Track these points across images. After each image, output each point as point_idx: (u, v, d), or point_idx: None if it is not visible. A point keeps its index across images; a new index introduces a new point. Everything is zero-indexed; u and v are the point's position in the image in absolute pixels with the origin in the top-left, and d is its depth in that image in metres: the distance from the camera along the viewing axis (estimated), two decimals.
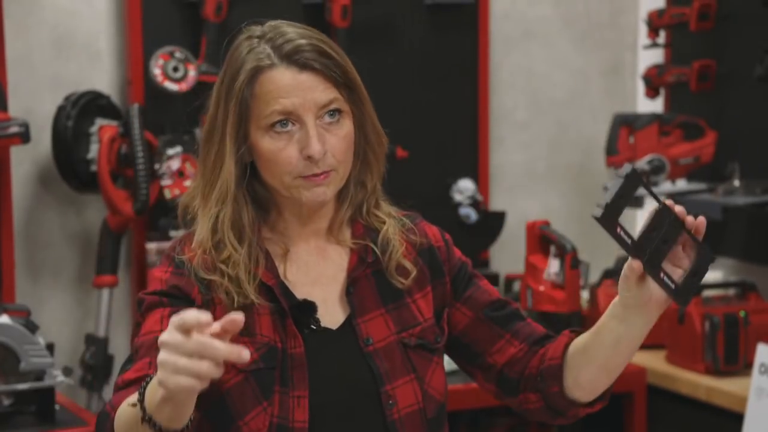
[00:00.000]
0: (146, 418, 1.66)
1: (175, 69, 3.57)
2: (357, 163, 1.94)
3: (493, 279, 4.05)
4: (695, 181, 3.79)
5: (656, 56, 4.12)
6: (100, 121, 3.56)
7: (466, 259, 2.05)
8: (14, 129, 3.27)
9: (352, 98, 1.89)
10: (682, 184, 3.76)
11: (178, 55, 3.58)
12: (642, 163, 3.71)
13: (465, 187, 4.05)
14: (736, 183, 3.63)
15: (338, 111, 1.87)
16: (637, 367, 3.53)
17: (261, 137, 1.85)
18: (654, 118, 3.78)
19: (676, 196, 3.76)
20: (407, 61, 4.03)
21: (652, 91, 3.97)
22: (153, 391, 1.65)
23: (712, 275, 3.78)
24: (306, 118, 1.84)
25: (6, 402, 2.96)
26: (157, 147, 3.56)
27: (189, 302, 1.86)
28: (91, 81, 3.67)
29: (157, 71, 3.56)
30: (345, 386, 1.89)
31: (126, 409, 1.72)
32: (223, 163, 1.87)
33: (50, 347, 3.09)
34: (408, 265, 1.95)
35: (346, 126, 1.88)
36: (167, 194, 3.52)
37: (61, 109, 3.54)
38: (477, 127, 4.14)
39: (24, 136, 3.27)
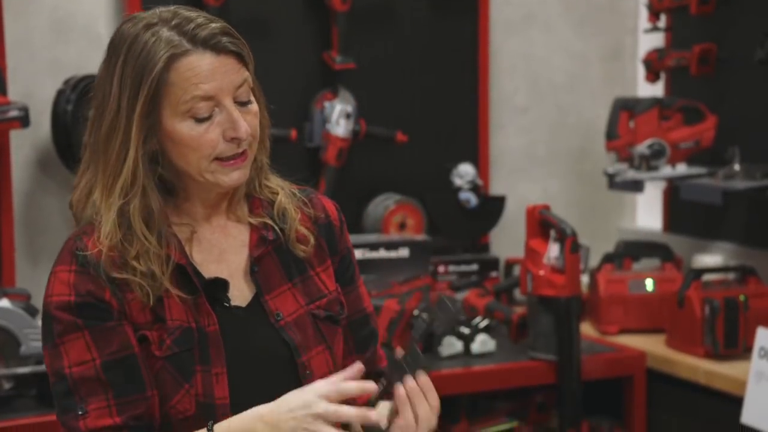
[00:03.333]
0: None
1: None
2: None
3: (493, 263, 4.06)
4: (695, 165, 3.79)
5: (657, 40, 4.11)
6: None
7: (351, 245, 2.10)
8: (14, 113, 3.26)
9: (252, 77, 1.91)
10: (682, 169, 3.76)
11: None
12: (642, 147, 3.71)
13: (465, 171, 4.04)
14: (737, 167, 3.62)
15: (251, 90, 1.89)
16: (637, 351, 3.53)
17: (178, 123, 1.84)
18: (654, 102, 3.77)
19: (676, 180, 3.76)
20: (407, 46, 4.03)
21: (652, 75, 3.96)
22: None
23: (712, 259, 3.78)
24: (225, 101, 1.85)
25: (6, 386, 2.96)
26: None
27: (105, 311, 1.84)
28: (90, 65, 3.65)
29: None
30: (262, 360, 1.91)
31: None
32: (128, 153, 1.84)
33: None
34: (305, 231, 2.00)
35: (255, 105, 1.90)
36: None
37: (60, 93, 3.53)
38: (477, 111, 4.14)
39: (23, 120, 3.27)
